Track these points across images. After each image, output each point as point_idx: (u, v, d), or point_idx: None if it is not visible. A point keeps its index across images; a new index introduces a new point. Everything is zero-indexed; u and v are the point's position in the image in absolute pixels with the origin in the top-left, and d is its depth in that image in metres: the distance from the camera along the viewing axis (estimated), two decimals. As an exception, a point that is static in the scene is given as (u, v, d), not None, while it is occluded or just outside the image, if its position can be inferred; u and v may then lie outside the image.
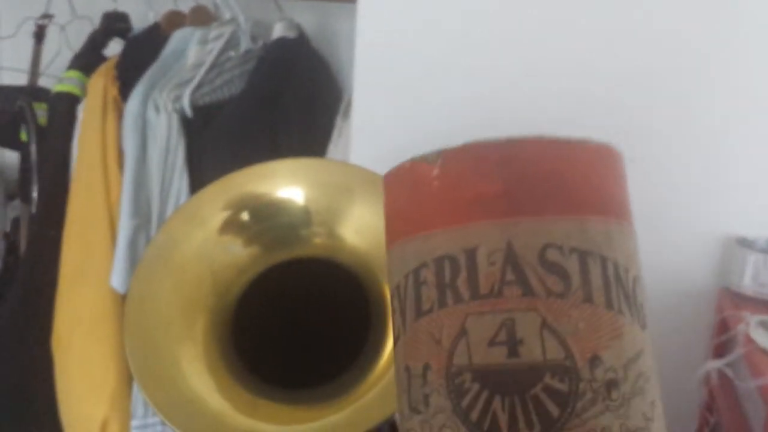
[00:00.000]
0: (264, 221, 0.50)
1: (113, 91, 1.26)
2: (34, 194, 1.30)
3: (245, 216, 0.50)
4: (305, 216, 0.50)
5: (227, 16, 1.37)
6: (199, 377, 0.45)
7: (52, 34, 1.43)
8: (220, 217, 0.50)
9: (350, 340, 0.49)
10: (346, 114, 1.26)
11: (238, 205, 0.50)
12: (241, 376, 0.48)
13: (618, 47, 0.92)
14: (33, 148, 1.29)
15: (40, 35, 1.41)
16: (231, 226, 0.50)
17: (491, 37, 0.96)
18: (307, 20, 1.41)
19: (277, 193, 0.50)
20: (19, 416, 1.29)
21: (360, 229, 0.49)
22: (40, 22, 1.40)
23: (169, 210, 1.21)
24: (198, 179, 1.24)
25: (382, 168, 0.57)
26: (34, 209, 1.31)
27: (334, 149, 1.25)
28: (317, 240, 0.50)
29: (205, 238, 0.49)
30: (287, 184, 0.50)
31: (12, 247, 1.47)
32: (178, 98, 1.24)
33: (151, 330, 0.46)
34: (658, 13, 0.91)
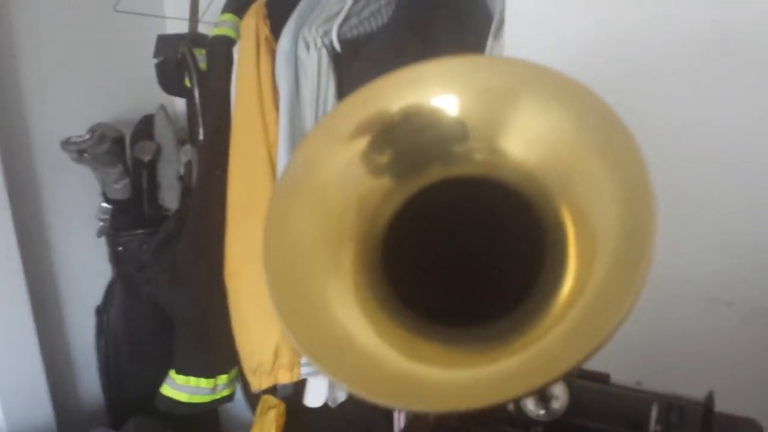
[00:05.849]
0: (413, 136, 0.41)
1: (265, 31, 1.23)
2: (201, 137, 1.32)
3: (391, 131, 0.42)
4: (461, 129, 0.40)
5: (372, -56, 1.28)
6: (348, 312, 0.38)
7: (207, -20, 1.42)
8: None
9: (520, 270, 0.40)
10: (498, 34, 1.14)
11: (382, 119, 0.42)
12: (395, 312, 0.40)
13: None
14: (196, 93, 1.30)
15: (196, -18, 1.41)
16: (376, 142, 0.42)
17: None
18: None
19: (427, 103, 0.41)
20: (198, 346, 1.35)
21: (528, 139, 0.39)
22: (196, -32, 1.40)
23: (323, 146, 1.18)
24: (349, 113, 1.19)
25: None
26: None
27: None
28: (476, 156, 0.40)
29: (349, 157, 0.41)
30: (438, 92, 0.40)
31: (187, 189, 1.52)
32: (326, 33, 1.18)
33: (293, 258, 0.40)
34: None
